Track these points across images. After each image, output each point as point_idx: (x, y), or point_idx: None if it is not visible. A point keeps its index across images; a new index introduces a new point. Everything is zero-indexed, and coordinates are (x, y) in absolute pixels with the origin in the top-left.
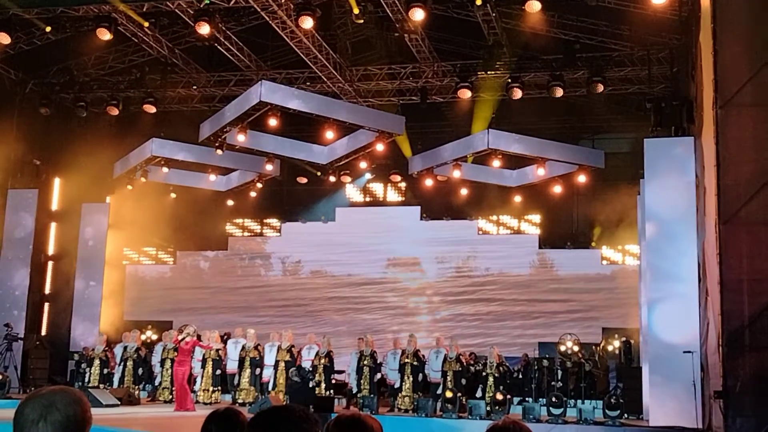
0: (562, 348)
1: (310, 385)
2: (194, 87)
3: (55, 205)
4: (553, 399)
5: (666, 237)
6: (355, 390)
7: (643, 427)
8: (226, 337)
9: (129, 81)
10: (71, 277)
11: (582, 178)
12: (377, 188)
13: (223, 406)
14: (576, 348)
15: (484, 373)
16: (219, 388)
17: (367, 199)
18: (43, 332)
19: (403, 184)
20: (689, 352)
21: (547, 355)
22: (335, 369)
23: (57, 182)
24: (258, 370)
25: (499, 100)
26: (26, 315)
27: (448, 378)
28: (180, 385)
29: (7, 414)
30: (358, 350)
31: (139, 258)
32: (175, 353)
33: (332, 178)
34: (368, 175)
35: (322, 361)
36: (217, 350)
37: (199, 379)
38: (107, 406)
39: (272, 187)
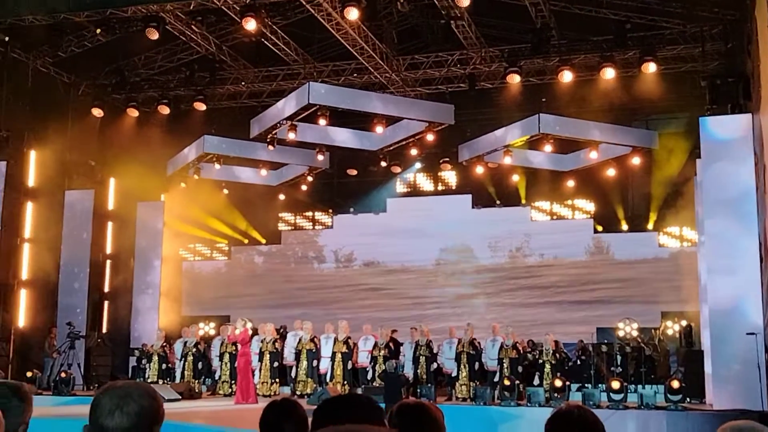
0: (621, 333)
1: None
2: (242, 83)
3: (111, 205)
4: (613, 384)
5: (725, 217)
6: (411, 378)
7: (706, 411)
8: (282, 330)
9: (178, 80)
10: (129, 275)
11: (636, 160)
12: (427, 177)
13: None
14: (635, 333)
15: (540, 361)
16: (277, 380)
17: (418, 188)
18: (104, 330)
19: (453, 173)
20: (753, 333)
21: (605, 341)
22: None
23: (112, 182)
24: (315, 362)
25: (550, 83)
26: (87, 313)
27: (505, 366)
28: (243, 377)
29: (72, 410)
30: (412, 340)
31: (195, 254)
32: (234, 347)
33: (383, 164)
34: (418, 165)
35: (382, 352)
36: (274, 342)
37: (257, 372)
38: (168, 400)
39: (323, 179)
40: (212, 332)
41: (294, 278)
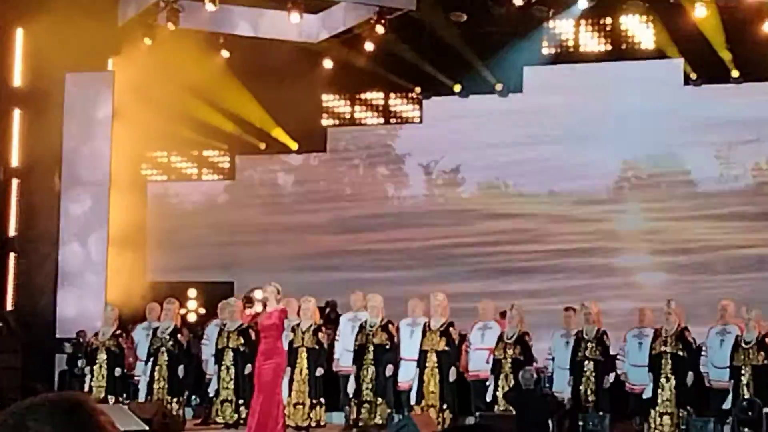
0: None
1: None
2: None
3: (17, 79)
4: None
5: None
6: (567, 400)
7: None
8: (329, 309)
9: None
10: (53, 208)
11: None
12: (597, 29)
13: None
14: None
15: None
16: (322, 400)
17: (579, 49)
18: (8, 306)
19: (645, 18)
20: None
21: None
22: (533, 363)
23: (19, 37)
24: (390, 368)
25: None
26: None
27: (744, 378)
28: (268, 394)
29: None
30: (568, 330)
31: (169, 173)
32: (241, 340)
33: (517, 2)
34: (581, 4)
35: (509, 351)
36: (316, 331)
37: (285, 386)
38: None
39: (404, 31)
40: (203, 311)
41: (350, 214)
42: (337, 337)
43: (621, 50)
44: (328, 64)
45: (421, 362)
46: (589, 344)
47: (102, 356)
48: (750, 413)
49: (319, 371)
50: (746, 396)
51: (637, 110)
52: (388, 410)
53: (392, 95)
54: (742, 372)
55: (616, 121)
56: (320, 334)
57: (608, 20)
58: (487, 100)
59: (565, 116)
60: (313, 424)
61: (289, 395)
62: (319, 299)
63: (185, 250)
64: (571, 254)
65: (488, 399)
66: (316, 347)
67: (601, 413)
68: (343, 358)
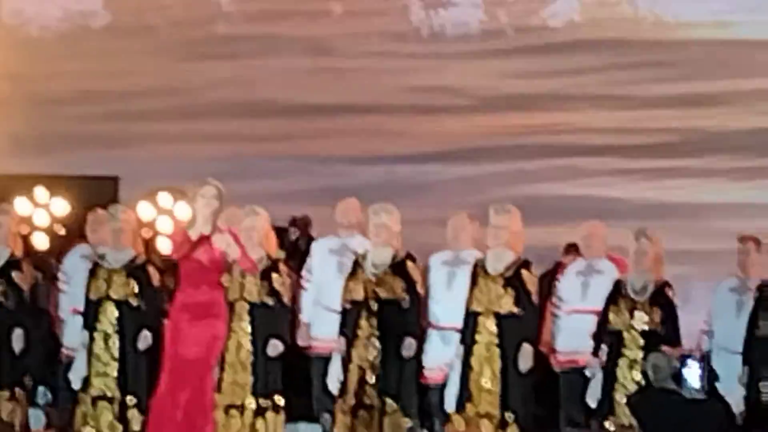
0: None
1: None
2: None
3: None
4: None
5: None
6: (740, 412)
7: None
8: (298, 234)
9: None
10: None
11: None
12: None
13: None
14: None
15: None
16: (279, 400)
17: None
18: None
19: None
20: None
21: None
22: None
23: None
24: (410, 345)
25: None
26: None
27: None
28: (193, 391)
29: None
30: (740, 281)
31: None
32: (133, 285)
33: None
34: None
35: (638, 317)
36: (268, 271)
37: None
38: None
39: None
40: (62, 230)
41: (340, 46)
42: (306, 283)
43: None
44: None
45: (469, 335)
46: None
47: None
48: None
49: (275, 347)
50: None
51: None
52: (407, 422)
53: None
54: None
55: None
56: (276, 278)
57: None
58: None
59: None
60: None
61: (218, 390)
62: (276, 213)
63: (32, 117)
64: None
65: (592, 404)
66: (269, 302)
67: None
68: (320, 323)
